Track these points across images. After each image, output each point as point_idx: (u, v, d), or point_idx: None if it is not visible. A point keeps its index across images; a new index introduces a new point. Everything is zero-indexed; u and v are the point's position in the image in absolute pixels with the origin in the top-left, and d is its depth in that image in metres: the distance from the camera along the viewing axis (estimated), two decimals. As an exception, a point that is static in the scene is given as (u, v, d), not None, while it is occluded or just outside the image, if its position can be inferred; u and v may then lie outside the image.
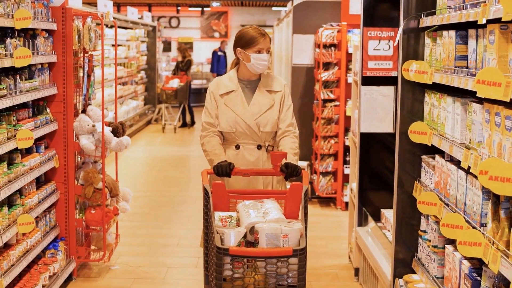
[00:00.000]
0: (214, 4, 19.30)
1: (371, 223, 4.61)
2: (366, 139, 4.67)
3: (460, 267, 2.73)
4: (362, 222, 4.71)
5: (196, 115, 13.62)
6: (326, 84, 6.90)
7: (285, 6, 12.50)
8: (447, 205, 2.90)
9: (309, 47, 7.31)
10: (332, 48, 6.84)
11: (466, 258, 2.72)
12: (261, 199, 3.22)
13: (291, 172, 3.37)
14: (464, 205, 2.70)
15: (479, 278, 2.57)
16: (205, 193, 3.14)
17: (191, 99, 13.66)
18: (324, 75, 6.83)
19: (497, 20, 2.29)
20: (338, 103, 6.84)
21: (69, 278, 4.62)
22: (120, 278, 4.77)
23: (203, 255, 3.20)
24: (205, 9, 20.09)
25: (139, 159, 9.95)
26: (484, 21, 2.37)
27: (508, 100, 2.14)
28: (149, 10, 18.33)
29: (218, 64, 16.66)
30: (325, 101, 6.92)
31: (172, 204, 7.05)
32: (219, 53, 16.82)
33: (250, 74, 3.68)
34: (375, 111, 4.56)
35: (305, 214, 3.10)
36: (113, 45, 10.23)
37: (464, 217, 2.65)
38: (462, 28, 2.80)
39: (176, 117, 13.24)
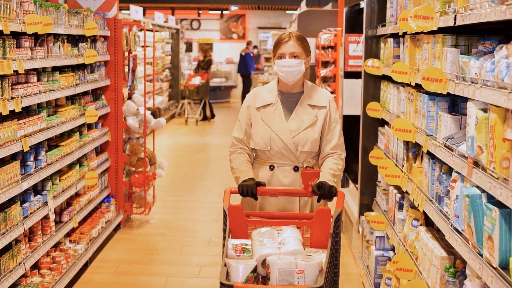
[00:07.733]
0: (233, 7, 20.66)
1: (351, 185, 5.93)
2: (348, 120, 5.99)
3: (395, 198, 4.04)
4: (344, 184, 6.03)
5: (215, 110, 15.00)
6: (325, 79, 8.22)
7: (296, 10, 13.80)
8: (388, 158, 4.22)
9: (311, 48, 8.57)
10: (330, 49, 8.15)
11: (399, 192, 4.02)
12: (282, 225, 2.87)
13: (323, 194, 2.96)
14: (396, 155, 4.01)
15: (403, 202, 3.88)
16: (224, 216, 2.81)
17: (210, 96, 14.91)
18: (323, 72, 8.14)
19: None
20: (334, 95, 8.15)
21: (118, 227, 6.01)
22: (156, 228, 6.13)
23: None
24: (224, 12, 21.50)
25: (165, 147, 11.31)
26: (401, 33, 3.68)
27: (409, 82, 3.46)
28: (172, 14, 19.68)
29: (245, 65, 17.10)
30: (324, 93, 8.22)
31: (195, 180, 8.42)
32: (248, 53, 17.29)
33: (288, 85, 3.29)
34: (354, 98, 5.89)
35: (336, 242, 2.71)
36: (147, 46, 11.63)
37: (395, 163, 3.96)
38: (398, 37, 4.11)
39: (197, 111, 14.58)
